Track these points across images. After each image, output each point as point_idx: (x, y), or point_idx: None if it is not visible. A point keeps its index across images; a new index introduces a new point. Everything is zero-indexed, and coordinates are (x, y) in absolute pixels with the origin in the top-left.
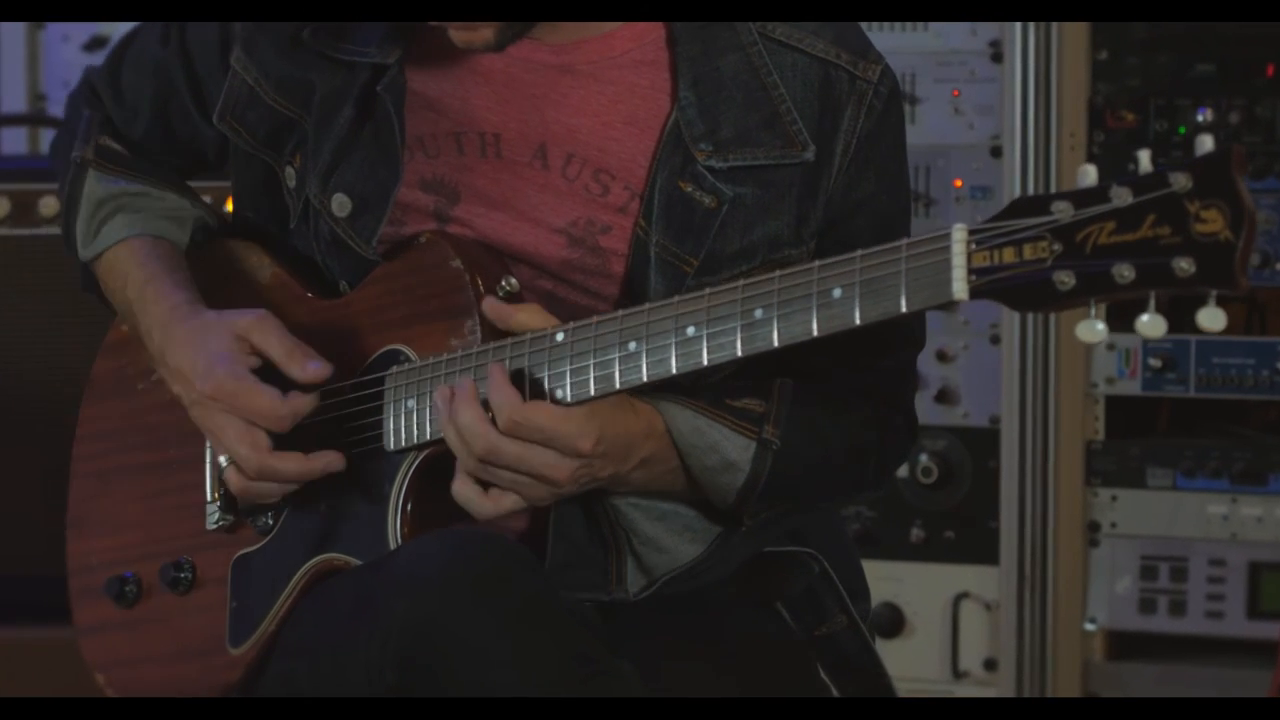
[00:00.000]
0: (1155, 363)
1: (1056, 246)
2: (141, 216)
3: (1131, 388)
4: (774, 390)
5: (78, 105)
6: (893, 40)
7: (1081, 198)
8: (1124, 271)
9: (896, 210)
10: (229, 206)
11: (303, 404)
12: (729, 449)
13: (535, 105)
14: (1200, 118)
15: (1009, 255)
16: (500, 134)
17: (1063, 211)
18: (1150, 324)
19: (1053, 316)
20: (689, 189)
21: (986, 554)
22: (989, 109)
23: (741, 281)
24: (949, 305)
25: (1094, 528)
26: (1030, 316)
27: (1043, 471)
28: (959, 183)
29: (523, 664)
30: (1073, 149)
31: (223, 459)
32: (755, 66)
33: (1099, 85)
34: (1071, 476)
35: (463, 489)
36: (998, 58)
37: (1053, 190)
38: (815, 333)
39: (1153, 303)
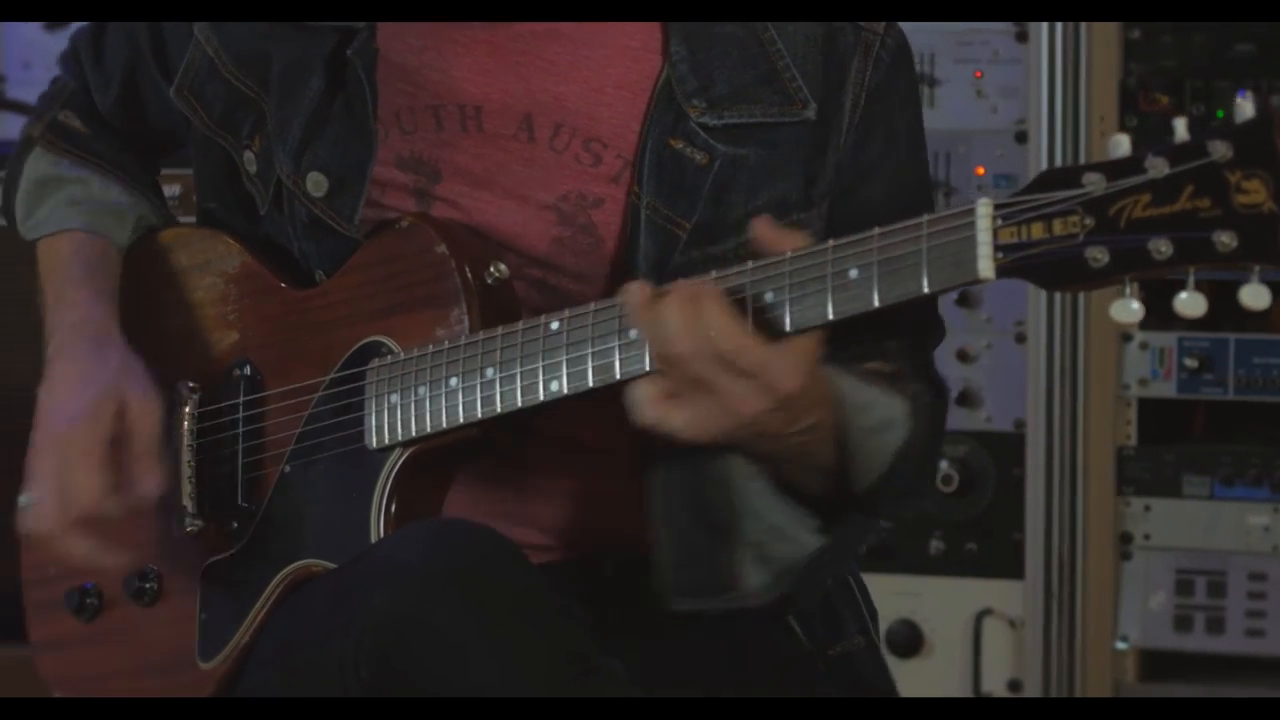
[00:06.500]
0: (1191, 363)
1: (1089, 221)
2: (79, 209)
3: (1166, 390)
4: (887, 351)
5: (63, 68)
6: None
7: (1114, 169)
8: (1161, 247)
9: (914, 179)
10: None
11: (110, 511)
12: (882, 408)
13: (520, 74)
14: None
15: (1038, 231)
16: (482, 106)
17: (1095, 184)
18: (1189, 302)
19: (1082, 312)
20: (679, 146)
21: (1011, 568)
22: (1014, 91)
23: (750, 264)
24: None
25: (1126, 539)
26: (1057, 312)
27: (1071, 479)
28: (981, 170)
29: (508, 662)
30: (1103, 134)
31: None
32: (751, 22)
33: (1131, 65)
34: (1102, 485)
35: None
36: (1023, 37)
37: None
38: (830, 316)
39: (1192, 280)
